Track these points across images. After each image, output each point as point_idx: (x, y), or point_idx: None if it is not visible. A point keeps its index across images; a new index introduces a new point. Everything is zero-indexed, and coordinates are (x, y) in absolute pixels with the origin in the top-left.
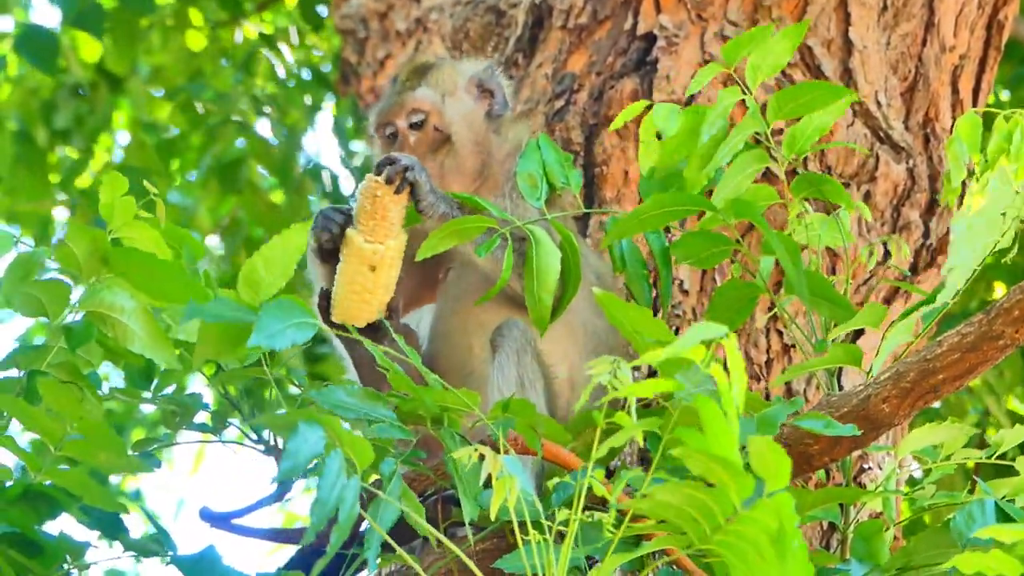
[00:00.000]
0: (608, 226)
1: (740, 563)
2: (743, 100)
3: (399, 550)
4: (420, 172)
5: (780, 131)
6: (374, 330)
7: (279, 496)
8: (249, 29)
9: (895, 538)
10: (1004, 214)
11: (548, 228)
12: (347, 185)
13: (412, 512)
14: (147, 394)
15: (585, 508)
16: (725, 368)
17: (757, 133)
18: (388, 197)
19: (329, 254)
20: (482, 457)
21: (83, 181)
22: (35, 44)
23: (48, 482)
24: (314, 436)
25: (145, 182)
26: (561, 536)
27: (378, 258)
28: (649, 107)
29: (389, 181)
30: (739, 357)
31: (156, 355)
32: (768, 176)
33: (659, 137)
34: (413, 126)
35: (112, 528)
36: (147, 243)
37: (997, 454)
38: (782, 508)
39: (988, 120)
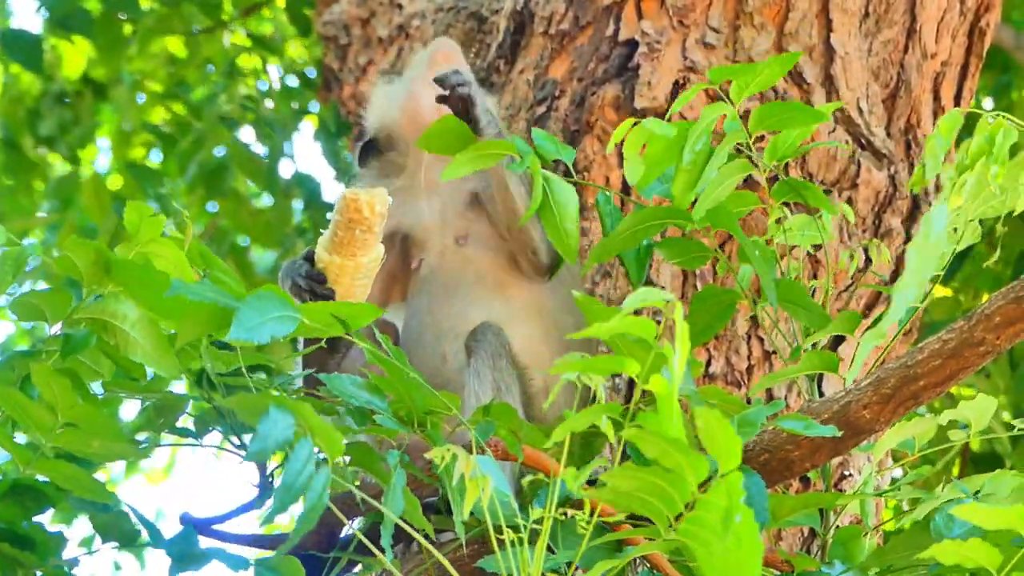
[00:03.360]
0: (589, 255)
1: (702, 549)
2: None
3: (379, 555)
4: (476, 90)
5: (761, 137)
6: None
7: (260, 502)
8: (238, 34)
9: (878, 545)
10: (972, 220)
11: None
12: (331, 192)
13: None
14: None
15: (560, 506)
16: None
17: (739, 142)
18: (360, 214)
19: None
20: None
21: (69, 191)
22: (19, 47)
23: (38, 476)
24: (284, 422)
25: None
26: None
27: (335, 268)
28: (635, 123)
29: (446, 89)
30: (684, 324)
31: (159, 366)
32: (749, 182)
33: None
34: None
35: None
36: (171, 262)
37: (974, 432)
38: (731, 487)
39: (970, 124)
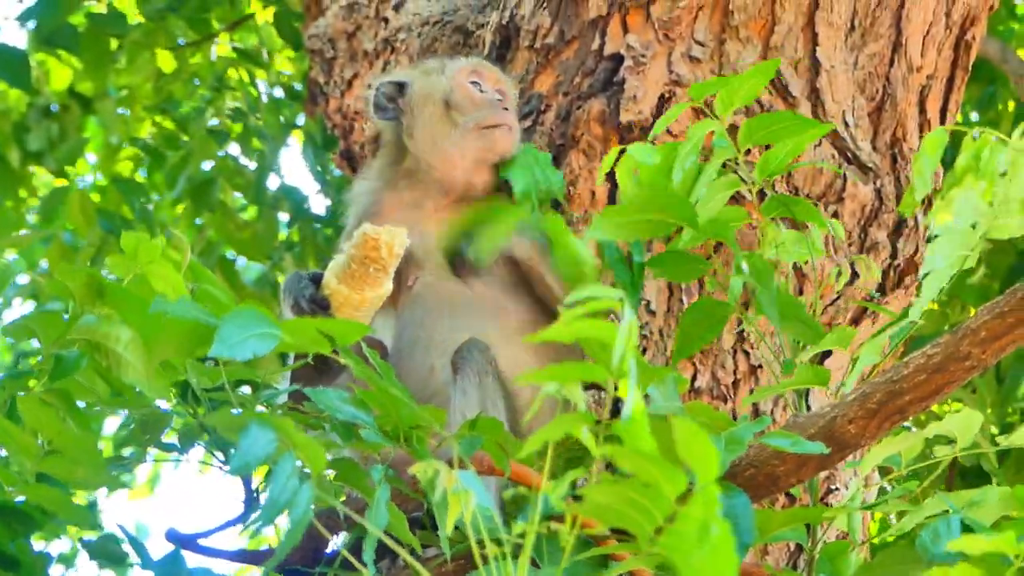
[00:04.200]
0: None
1: (682, 562)
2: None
3: (362, 570)
4: None
5: (749, 151)
6: (323, 360)
7: (246, 517)
8: (223, 47)
9: (865, 560)
10: (974, 226)
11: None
12: (317, 204)
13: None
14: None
15: (545, 520)
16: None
17: (728, 159)
18: (377, 253)
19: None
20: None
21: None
22: (6, 63)
23: (22, 499)
24: (266, 437)
25: (172, 230)
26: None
27: (341, 297)
28: (622, 151)
29: None
30: (635, 320)
31: (150, 388)
32: (737, 198)
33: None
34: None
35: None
36: (168, 283)
37: (960, 449)
38: (707, 499)
39: (956, 139)
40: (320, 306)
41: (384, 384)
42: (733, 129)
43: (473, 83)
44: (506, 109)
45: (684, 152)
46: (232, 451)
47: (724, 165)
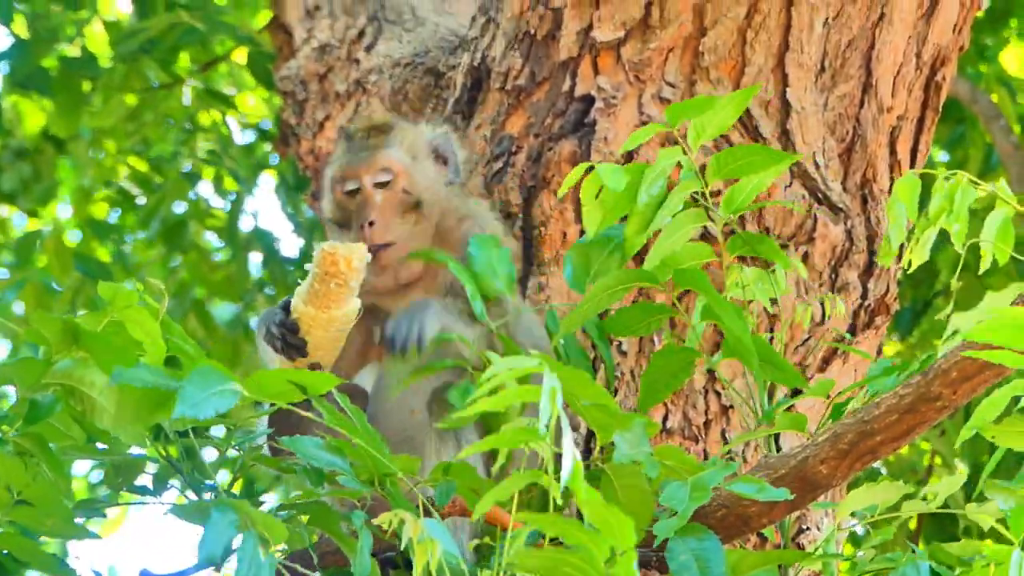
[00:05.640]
0: (548, 323)
1: None
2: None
3: None
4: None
5: (718, 192)
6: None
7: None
8: (197, 89)
9: None
10: None
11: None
12: (289, 245)
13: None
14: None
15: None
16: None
17: (695, 192)
18: (336, 267)
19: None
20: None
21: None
22: None
23: None
24: (226, 521)
25: (148, 279)
26: None
27: (309, 319)
28: (590, 169)
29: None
30: (554, 387)
31: (125, 433)
32: (705, 236)
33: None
34: (379, 184)
35: None
36: (144, 331)
37: (936, 505)
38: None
39: (926, 181)
40: (290, 330)
41: (357, 431)
42: (702, 170)
43: (342, 192)
44: (365, 222)
45: (651, 176)
46: (204, 493)
47: (694, 201)
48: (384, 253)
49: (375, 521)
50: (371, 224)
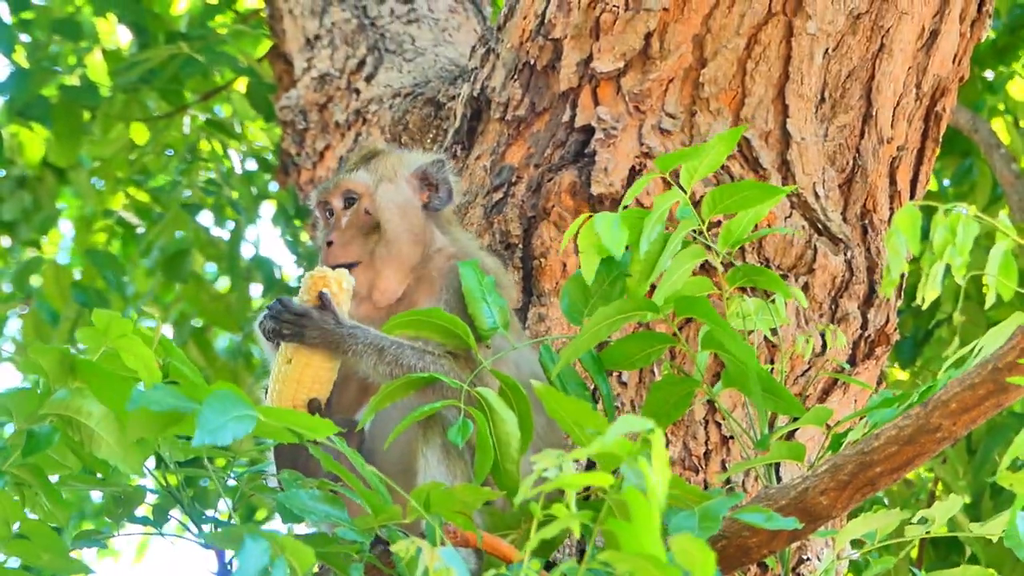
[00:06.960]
0: (543, 357)
1: None
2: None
3: None
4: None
5: (718, 223)
6: None
7: None
8: (198, 119)
9: None
10: None
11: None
12: (291, 274)
13: None
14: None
15: None
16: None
17: (693, 229)
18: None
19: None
20: (419, 550)
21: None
22: None
23: None
24: (260, 548)
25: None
26: None
27: (291, 350)
28: (588, 217)
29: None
30: (664, 451)
31: (123, 463)
32: (705, 267)
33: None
34: (346, 206)
35: None
36: (138, 360)
37: (934, 529)
38: None
39: (927, 212)
40: (285, 306)
41: (352, 479)
42: (698, 204)
43: (321, 216)
44: (324, 242)
45: (650, 223)
46: (204, 525)
47: (694, 238)
48: (353, 272)
49: (392, 548)
50: (329, 244)
